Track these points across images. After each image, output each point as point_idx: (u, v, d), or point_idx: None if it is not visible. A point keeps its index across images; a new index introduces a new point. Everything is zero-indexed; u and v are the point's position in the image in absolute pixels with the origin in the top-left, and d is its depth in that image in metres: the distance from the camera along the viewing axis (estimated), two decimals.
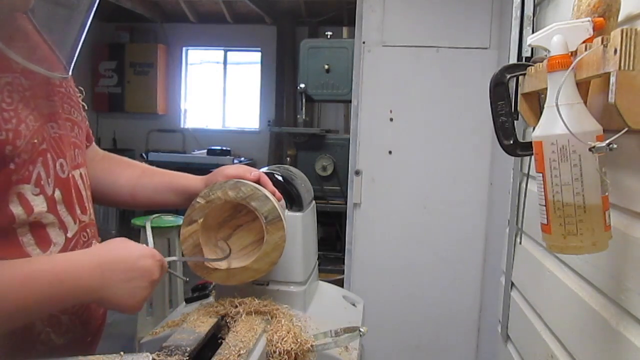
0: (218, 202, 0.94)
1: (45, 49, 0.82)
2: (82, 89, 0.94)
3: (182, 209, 0.98)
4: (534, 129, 0.79)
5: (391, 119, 2.46)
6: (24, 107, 0.74)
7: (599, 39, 0.71)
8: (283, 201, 1.09)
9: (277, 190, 1.01)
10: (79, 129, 0.88)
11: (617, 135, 0.70)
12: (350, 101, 2.54)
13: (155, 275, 0.79)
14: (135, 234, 3.21)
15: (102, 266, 0.75)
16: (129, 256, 0.78)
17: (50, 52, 0.82)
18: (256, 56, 6.47)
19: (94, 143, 1.03)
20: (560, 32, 0.78)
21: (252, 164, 6.07)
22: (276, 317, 0.98)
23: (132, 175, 1.03)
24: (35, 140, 0.74)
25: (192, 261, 0.95)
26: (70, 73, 0.81)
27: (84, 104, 0.94)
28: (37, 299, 0.70)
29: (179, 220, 2.99)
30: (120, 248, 0.79)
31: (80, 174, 0.86)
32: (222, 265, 0.96)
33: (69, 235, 0.80)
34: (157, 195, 1.02)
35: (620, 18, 0.84)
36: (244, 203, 0.94)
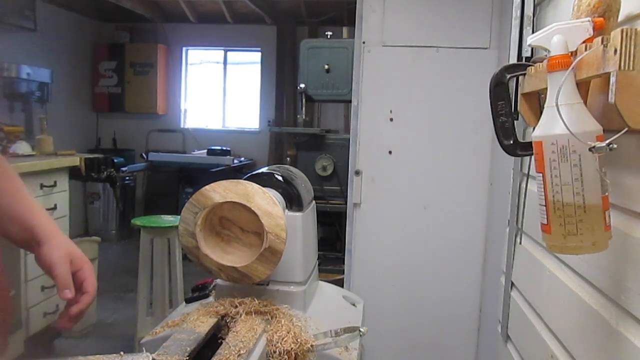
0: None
1: None
2: None
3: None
4: (534, 129, 0.79)
5: (391, 119, 2.46)
6: None
7: (599, 39, 0.71)
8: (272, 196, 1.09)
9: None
10: None
11: (617, 135, 0.70)
12: (350, 101, 2.53)
13: None
14: (135, 234, 3.21)
15: None
16: None
17: None
18: (256, 56, 6.46)
19: None
20: (560, 32, 0.78)
21: (252, 164, 6.06)
22: (276, 317, 0.98)
23: None
24: None
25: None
26: None
27: None
28: None
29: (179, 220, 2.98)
30: None
31: None
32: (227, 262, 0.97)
33: None
34: None
35: (620, 18, 0.84)
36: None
